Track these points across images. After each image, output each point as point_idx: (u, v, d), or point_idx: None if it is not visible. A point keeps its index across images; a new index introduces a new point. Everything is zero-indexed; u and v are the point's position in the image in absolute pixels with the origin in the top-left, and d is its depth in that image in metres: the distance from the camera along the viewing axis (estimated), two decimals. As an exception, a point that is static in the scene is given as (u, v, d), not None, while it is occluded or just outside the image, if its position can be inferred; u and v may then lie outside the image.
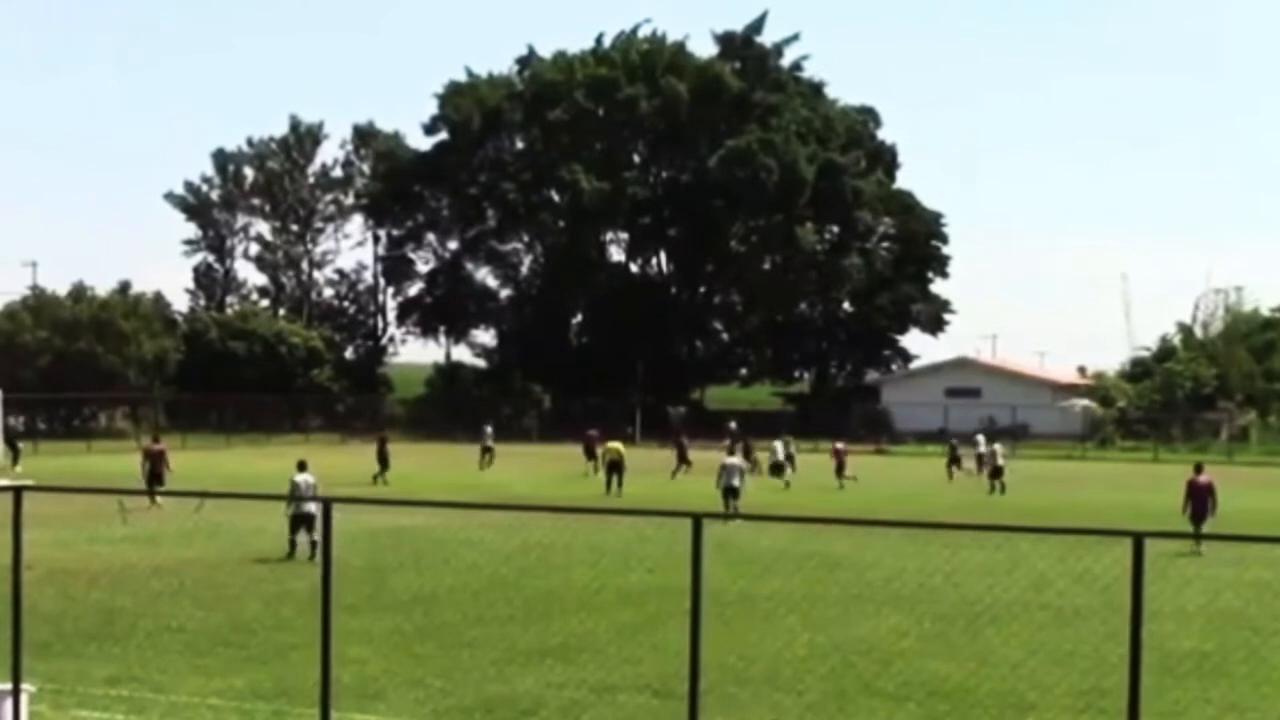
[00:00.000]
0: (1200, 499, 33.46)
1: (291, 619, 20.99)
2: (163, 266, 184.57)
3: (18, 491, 12.89)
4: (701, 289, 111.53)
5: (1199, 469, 34.62)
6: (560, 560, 29.25)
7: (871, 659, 19.66)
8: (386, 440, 54.76)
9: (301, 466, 32.39)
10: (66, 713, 15.77)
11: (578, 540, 31.76)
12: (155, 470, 42.80)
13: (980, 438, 57.25)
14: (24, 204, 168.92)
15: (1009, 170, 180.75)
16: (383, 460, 52.50)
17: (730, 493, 40.98)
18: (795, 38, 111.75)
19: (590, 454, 58.11)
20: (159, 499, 35.32)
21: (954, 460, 59.22)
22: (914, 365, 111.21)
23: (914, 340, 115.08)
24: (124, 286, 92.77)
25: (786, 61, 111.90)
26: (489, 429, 62.72)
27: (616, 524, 32.69)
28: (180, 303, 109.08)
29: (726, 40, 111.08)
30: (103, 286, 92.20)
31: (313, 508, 27.91)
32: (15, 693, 13.14)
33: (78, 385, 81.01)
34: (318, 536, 27.73)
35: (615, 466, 48.86)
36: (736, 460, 43.38)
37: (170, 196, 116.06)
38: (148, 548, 30.86)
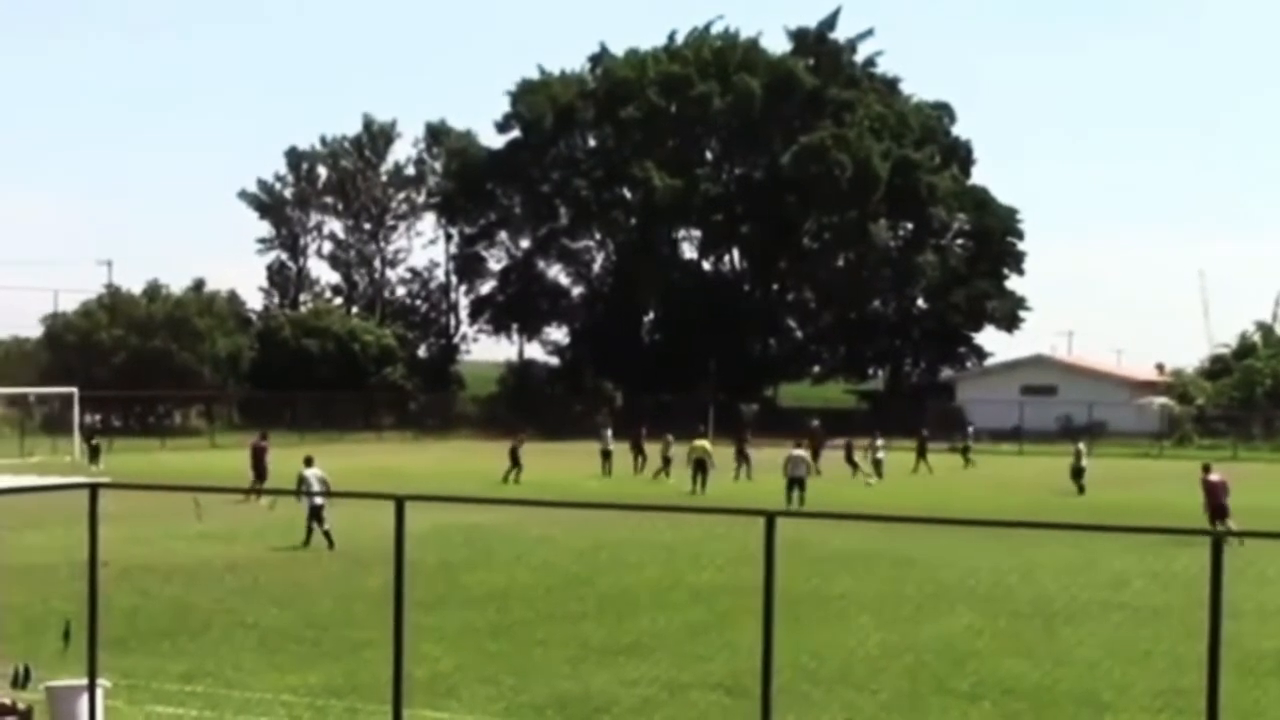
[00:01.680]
0: (1219, 497, 34.24)
1: (364, 615, 21.05)
2: (237, 265, 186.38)
3: (93, 489, 12.96)
4: (774, 286, 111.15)
5: (1208, 468, 35.58)
6: (632, 558, 29.23)
7: (946, 658, 19.51)
8: (522, 441, 53.80)
9: (309, 462, 33.46)
10: (142, 708, 15.86)
11: (649, 538, 31.72)
12: (259, 465, 43.56)
13: (1082, 446, 56.26)
14: (100, 203, 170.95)
15: (1085, 165, 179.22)
16: (514, 460, 52.11)
17: (795, 484, 41.58)
18: (869, 33, 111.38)
19: (638, 451, 57.26)
20: (255, 494, 36.10)
21: (921, 453, 58.42)
22: (989, 363, 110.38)
23: (989, 337, 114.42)
24: (199, 285, 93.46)
25: (860, 57, 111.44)
26: (609, 432, 59.62)
27: (688, 522, 32.62)
28: (254, 301, 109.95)
29: (800, 36, 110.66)
30: (178, 285, 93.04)
31: (321, 501, 30.07)
32: (91, 688, 13.23)
33: (153, 383, 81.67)
34: (329, 527, 30.60)
35: (701, 465, 48.65)
36: (802, 453, 43.62)
37: (244, 195, 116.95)
38: (222, 544, 31.08)
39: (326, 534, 30.90)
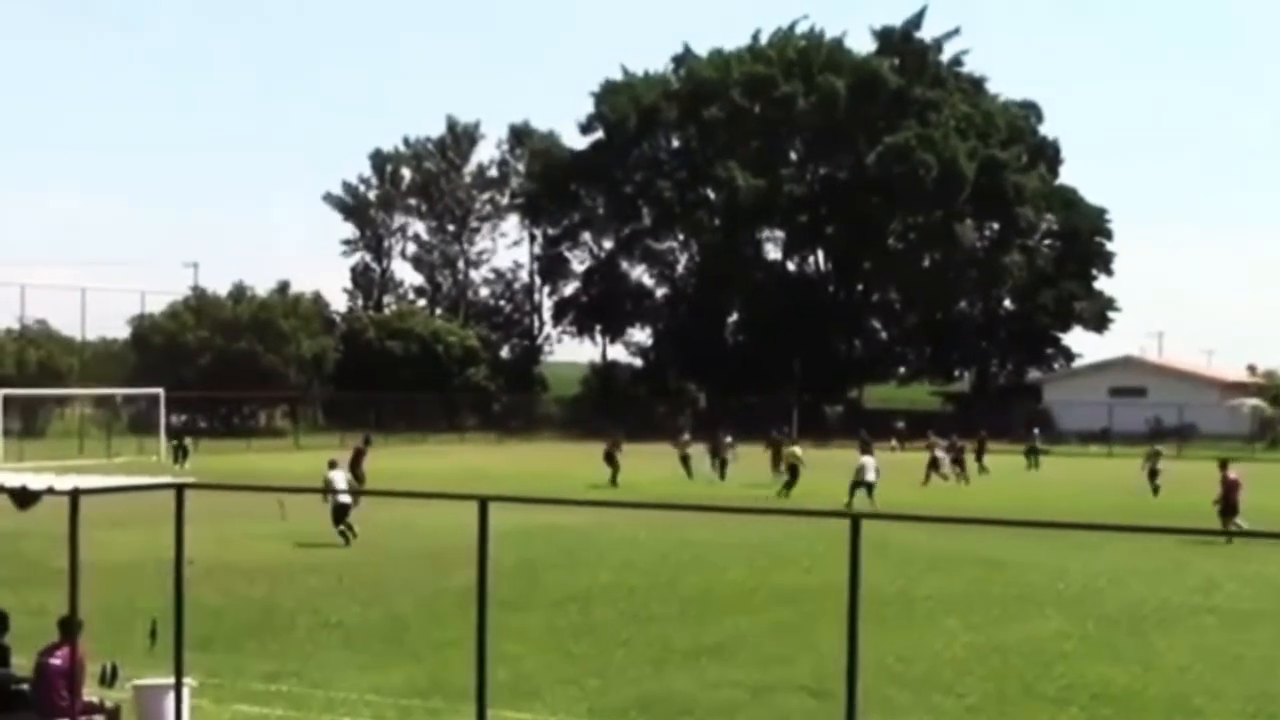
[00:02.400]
0: (1233, 494, 35.80)
1: (447, 615, 21.08)
2: (321, 267, 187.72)
3: (180, 489, 13.02)
4: (859, 287, 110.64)
5: (1225, 465, 37.09)
6: (715, 559, 29.16)
7: (1033, 661, 19.31)
8: (619, 444, 53.09)
9: (332, 465, 34.33)
10: (227, 707, 15.95)
11: (733, 539, 31.64)
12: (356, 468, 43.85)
13: (1159, 448, 55.48)
14: (186, 206, 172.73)
15: (1175, 163, 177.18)
16: (611, 462, 51.77)
17: (863, 487, 42.42)
18: (955, 32, 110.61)
19: (716, 454, 56.18)
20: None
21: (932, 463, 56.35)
22: (1077, 364, 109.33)
23: (1077, 338, 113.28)
24: (283, 287, 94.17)
25: (946, 57, 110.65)
26: (729, 438, 57.14)
27: (772, 523, 32.48)
28: (338, 302, 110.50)
29: (885, 36, 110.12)
30: (262, 287, 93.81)
31: (346, 500, 31.48)
32: (178, 687, 13.29)
33: (238, 384, 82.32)
34: (343, 529, 31.51)
35: (794, 470, 48.55)
36: (870, 459, 44.11)
37: (329, 197, 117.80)
38: (306, 544, 31.24)
39: (342, 531, 31.86)
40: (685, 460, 54.86)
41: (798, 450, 50.32)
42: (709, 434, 60.03)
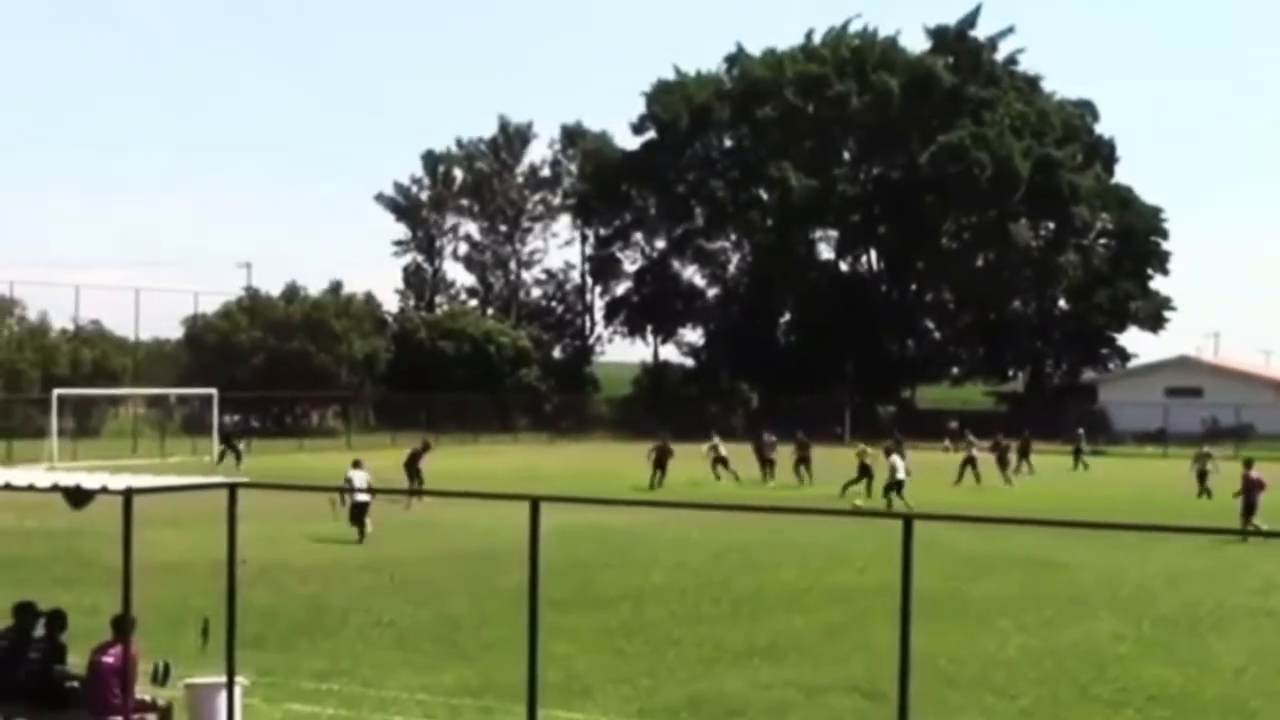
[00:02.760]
0: (1254, 493, 36.25)
1: (498, 615, 21.10)
2: (374, 267, 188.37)
3: (232, 488, 13.07)
4: (912, 286, 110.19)
5: (1249, 464, 37.64)
6: (767, 559, 29.11)
7: (1087, 663, 19.19)
8: (666, 446, 52.12)
9: (356, 464, 34.83)
10: (279, 706, 16.00)
11: (784, 539, 31.55)
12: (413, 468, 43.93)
13: (1208, 449, 54.85)
14: (239, 206, 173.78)
15: (1231, 162, 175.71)
16: (659, 465, 51.04)
17: (895, 488, 42.39)
18: (1010, 31, 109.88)
19: (762, 458, 54.82)
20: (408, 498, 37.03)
21: (968, 461, 55.16)
22: (1133, 364, 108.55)
23: (1133, 339, 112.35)
24: (335, 287, 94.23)
25: (1001, 55, 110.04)
26: (773, 438, 55.55)
27: (823, 524, 32.38)
28: (390, 303, 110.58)
29: (939, 35, 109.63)
30: (315, 287, 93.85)
31: (364, 498, 32.03)
32: (230, 685, 13.34)
33: (290, 384, 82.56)
34: (370, 526, 32.19)
35: (866, 470, 48.34)
36: (899, 459, 44.21)
37: (381, 198, 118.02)
38: (358, 544, 31.34)
39: (362, 530, 32.51)
40: (717, 464, 54.04)
41: (868, 448, 50.15)
42: (753, 434, 59.64)
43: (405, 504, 37.53)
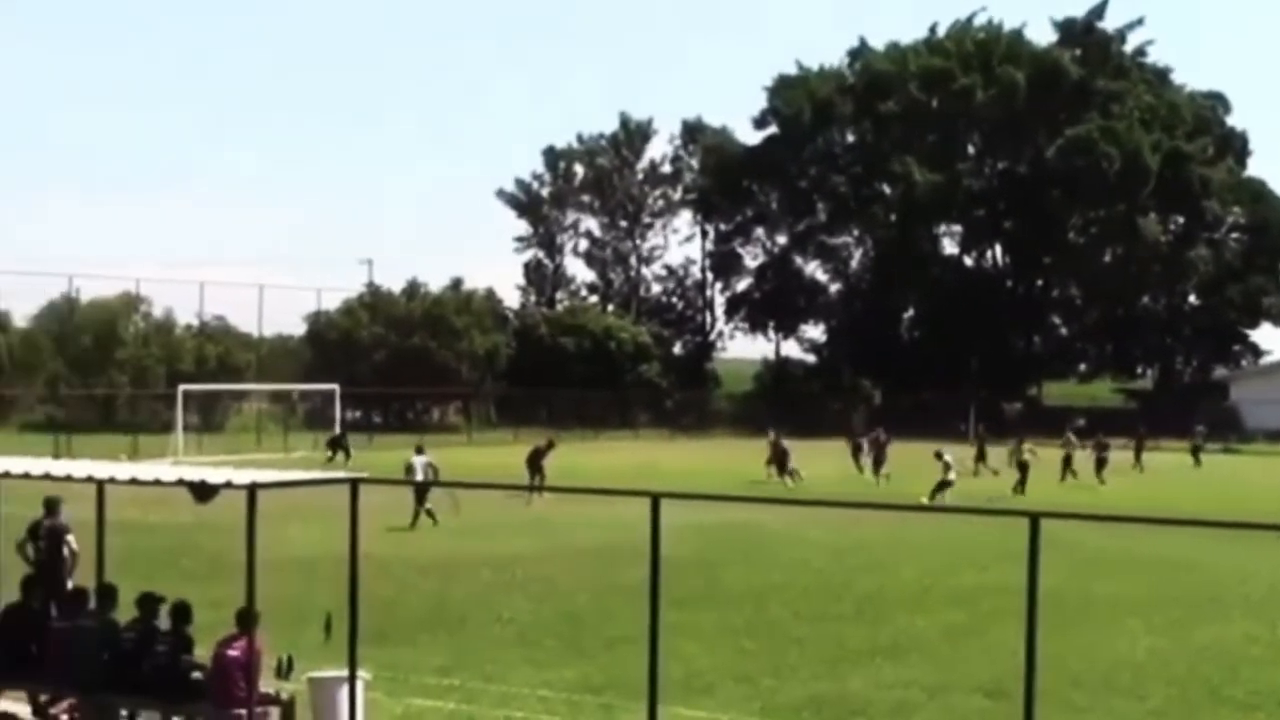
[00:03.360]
0: None
1: (620, 612, 21.03)
2: (494, 263, 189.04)
3: (354, 483, 13.11)
4: (1039, 282, 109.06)
5: None
6: (889, 558, 28.85)
7: (1218, 665, 18.81)
8: (779, 442, 51.86)
9: (419, 450, 36.64)
10: (401, 700, 16.05)
11: (908, 538, 31.25)
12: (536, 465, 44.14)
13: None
14: (361, 203, 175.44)
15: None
16: (780, 460, 50.86)
17: (945, 488, 42.51)
18: (1139, 22, 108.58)
19: (859, 455, 54.56)
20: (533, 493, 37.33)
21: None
22: (1265, 361, 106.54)
23: (1266, 335, 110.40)
24: (456, 283, 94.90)
25: (1129, 47, 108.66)
26: (883, 435, 54.78)
27: (945, 522, 32.02)
28: (511, 299, 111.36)
29: (1066, 27, 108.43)
30: (436, 283, 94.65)
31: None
32: (352, 679, 13.39)
33: (411, 380, 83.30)
34: (429, 506, 33.14)
35: (1024, 466, 47.86)
36: (949, 458, 44.22)
37: (502, 194, 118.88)
38: (479, 540, 31.44)
39: (429, 512, 33.41)
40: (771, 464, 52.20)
41: (1030, 444, 49.49)
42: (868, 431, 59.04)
43: (527, 500, 37.65)
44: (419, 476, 34.45)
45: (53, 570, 18.06)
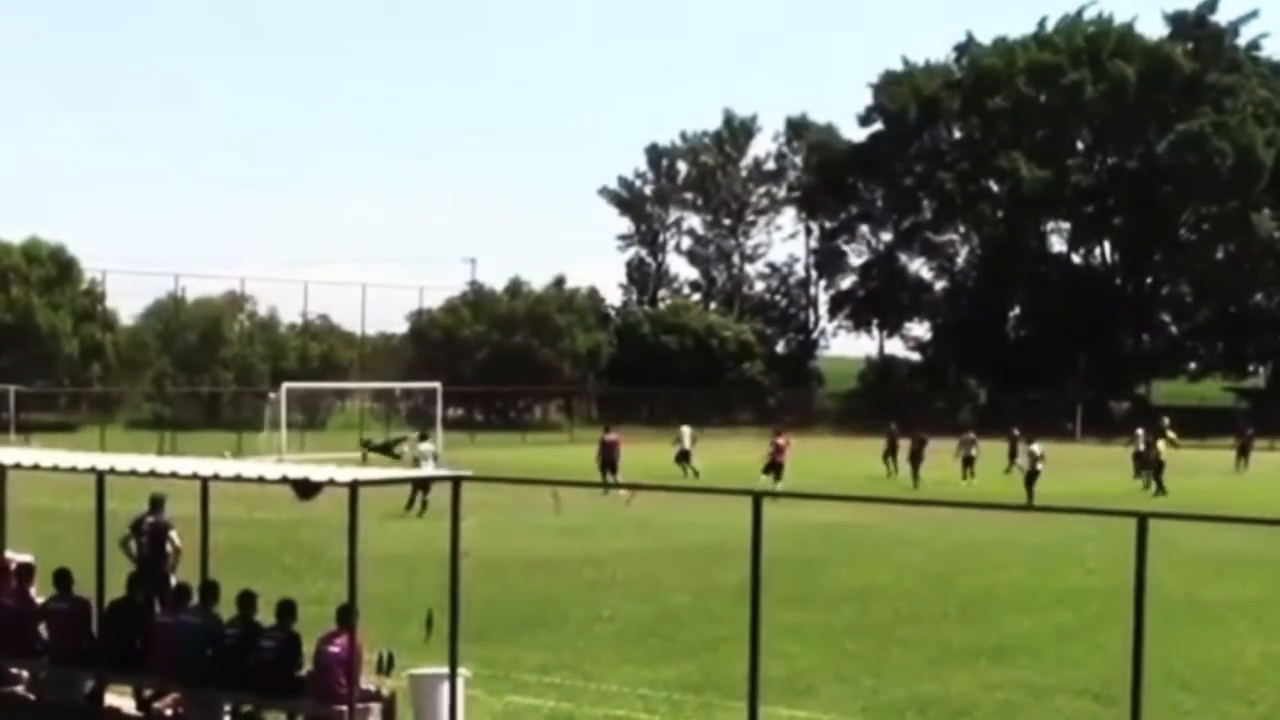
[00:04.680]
0: None
1: (721, 611, 20.95)
2: (597, 261, 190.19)
3: (456, 481, 13.14)
4: (1148, 280, 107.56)
5: None
6: (995, 559, 28.58)
7: (1333, 671, 18.40)
8: (915, 436, 51.44)
9: (423, 438, 37.85)
10: (501, 698, 16.08)
11: (1013, 538, 30.93)
12: (608, 459, 44.23)
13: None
14: (465, 202, 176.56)
15: None
16: (912, 458, 50.44)
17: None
18: (1253, 15, 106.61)
19: (914, 453, 51.43)
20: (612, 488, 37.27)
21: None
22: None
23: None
24: (559, 281, 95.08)
25: (1243, 41, 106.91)
26: (970, 435, 53.11)
27: (1055, 523, 31.63)
28: (613, 297, 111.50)
29: (1178, 20, 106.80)
30: (538, 281, 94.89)
31: (428, 468, 33.42)
32: (452, 676, 13.42)
33: (513, 378, 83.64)
34: (430, 497, 32.30)
35: (1159, 466, 47.22)
36: (1035, 448, 44.60)
37: (604, 192, 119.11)
38: (580, 538, 31.45)
39: (425, 502, 33.03)
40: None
41: (1161, 445, 48.74)
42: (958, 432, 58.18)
43: (628, 498, 37.59)
44: (429, 465, 34.68)
45: (155, 566, 18.23)
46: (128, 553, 18.68)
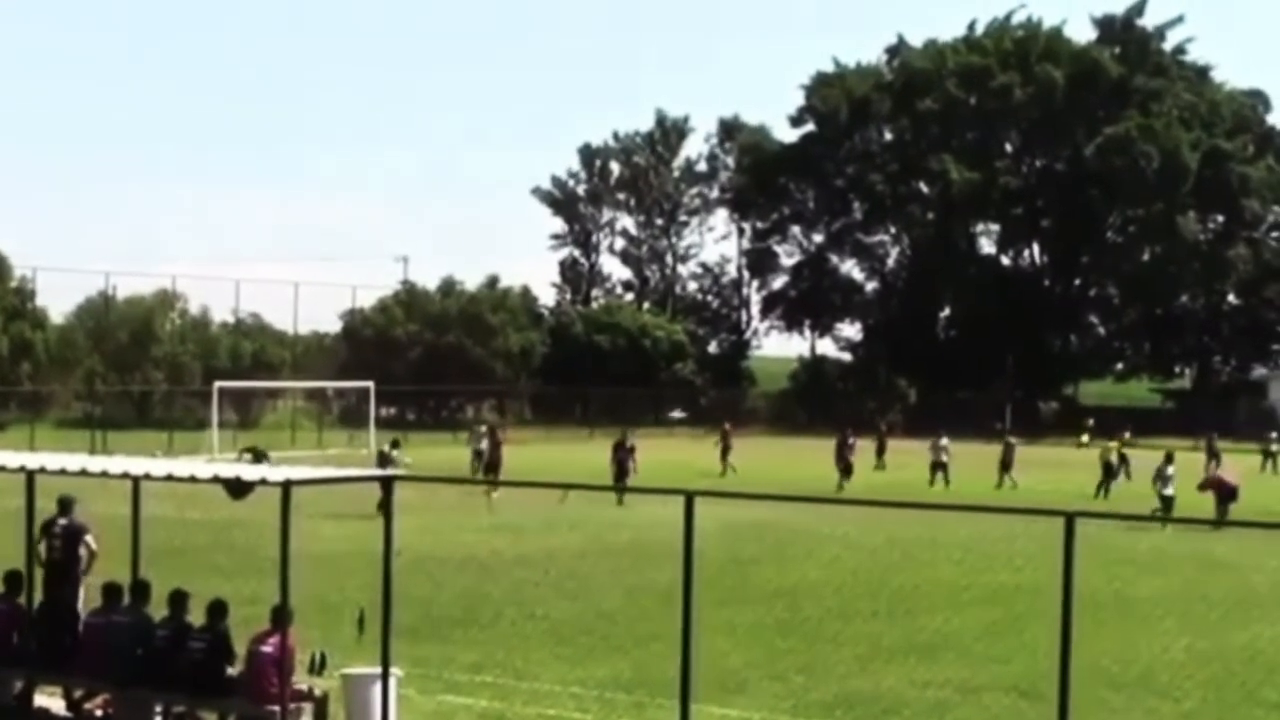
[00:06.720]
0: None
1: (652, 610, 21.01)
2: (530, 260, 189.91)
3: (387, 481, 13.16)
4: (1076, 281, 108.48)
5: None
6: (925, 556, 28.72)
7: (1256, 666, 18.68)
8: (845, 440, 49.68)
9: (395, 444, 39.11)
10: (433, 697, 16.08)
11: (942, 537, 31.10)
12: (621, 464, 43.66)
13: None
14: (397, 201, 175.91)
15: None
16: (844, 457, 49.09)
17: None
18: (1179, 20, 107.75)
19: (845, 465, 49.28)
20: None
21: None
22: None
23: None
24: (492, 281, 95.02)
25: (1169, 45, 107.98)
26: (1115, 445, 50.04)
27: (981, 521, 31.87)
28: (546, 296, 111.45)
29: (1105, 24, 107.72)
30: (471, 281, 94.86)
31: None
32: (385, 676, 13.43)
33: (446, 377, 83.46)
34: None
35: (1109, 468, 46.96)
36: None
37: (538, 192, 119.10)
38: (512, 537, 31.44)
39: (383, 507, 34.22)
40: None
41: (1110, 445, 48.60)
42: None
43: (561, 497, 37.56)
44: (399, 469, 34.83)
45: (68, 570, 17.52)
46: (36, 555, 18.24)
